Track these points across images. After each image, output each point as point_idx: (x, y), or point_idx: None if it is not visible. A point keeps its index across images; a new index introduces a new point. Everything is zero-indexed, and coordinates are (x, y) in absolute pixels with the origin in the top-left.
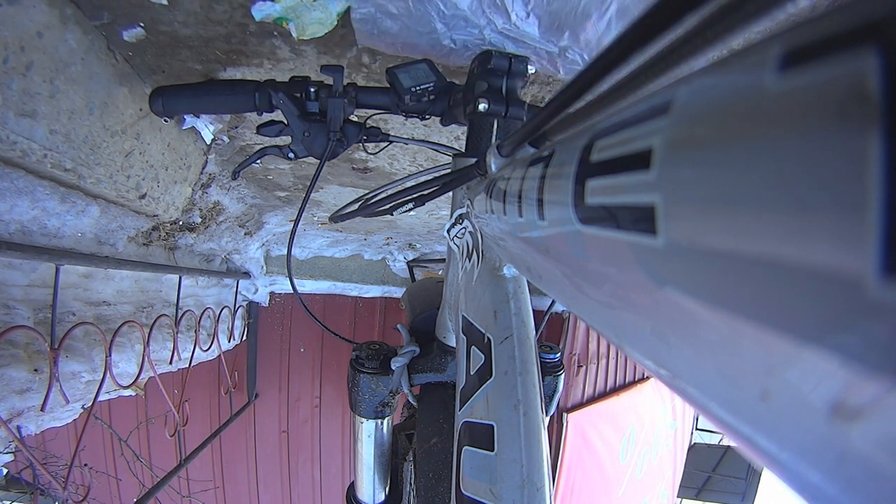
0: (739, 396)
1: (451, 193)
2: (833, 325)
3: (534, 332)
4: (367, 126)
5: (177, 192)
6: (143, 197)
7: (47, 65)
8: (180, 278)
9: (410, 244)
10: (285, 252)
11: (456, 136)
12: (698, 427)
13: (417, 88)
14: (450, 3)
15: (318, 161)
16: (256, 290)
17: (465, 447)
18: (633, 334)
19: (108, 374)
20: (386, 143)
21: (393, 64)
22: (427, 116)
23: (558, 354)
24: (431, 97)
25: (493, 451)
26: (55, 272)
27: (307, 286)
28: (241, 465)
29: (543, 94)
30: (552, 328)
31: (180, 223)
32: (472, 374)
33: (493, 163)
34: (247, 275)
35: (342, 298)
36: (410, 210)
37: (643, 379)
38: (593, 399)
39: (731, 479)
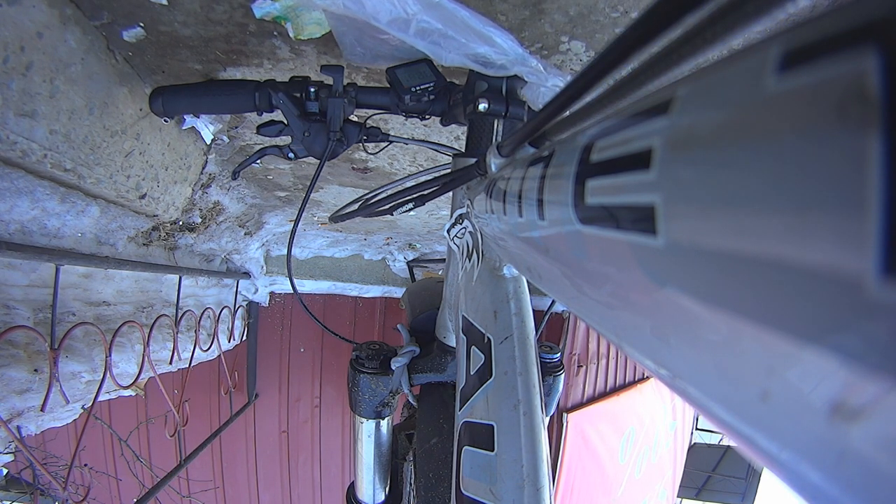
0: (739, 396)
1: (451, 193)
2: (833, 326)
3: (534, 332)
4: (367, 126)
5: (177, 192)
6: (143, 197)
7: (47, 65)
8: (180, 278)
9: (410, 244)
10: (285, 252)
11: (456, 136)
12: (698, 427)
13: (417, 88)
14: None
15: (318, 161)
16: (256, 290)
17: (465, 447)
18: (633, 334)
19: (108, 374)
20: (386, 143)
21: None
22: (427, 116)
23: (558, 354)
24: (431, 97)
25: (493, 451)
26: (55, 272)
27: (307, 286)
28: (241, 465)
29: None
30: (552, 328)
31: (180, 223)
32: (472, 374)
33: (493, 163)
34: (247, 275)
35: (342, 298)
36: (410, 210)
37: (643, 379)
38: (593, 399)
39: (731, 479)
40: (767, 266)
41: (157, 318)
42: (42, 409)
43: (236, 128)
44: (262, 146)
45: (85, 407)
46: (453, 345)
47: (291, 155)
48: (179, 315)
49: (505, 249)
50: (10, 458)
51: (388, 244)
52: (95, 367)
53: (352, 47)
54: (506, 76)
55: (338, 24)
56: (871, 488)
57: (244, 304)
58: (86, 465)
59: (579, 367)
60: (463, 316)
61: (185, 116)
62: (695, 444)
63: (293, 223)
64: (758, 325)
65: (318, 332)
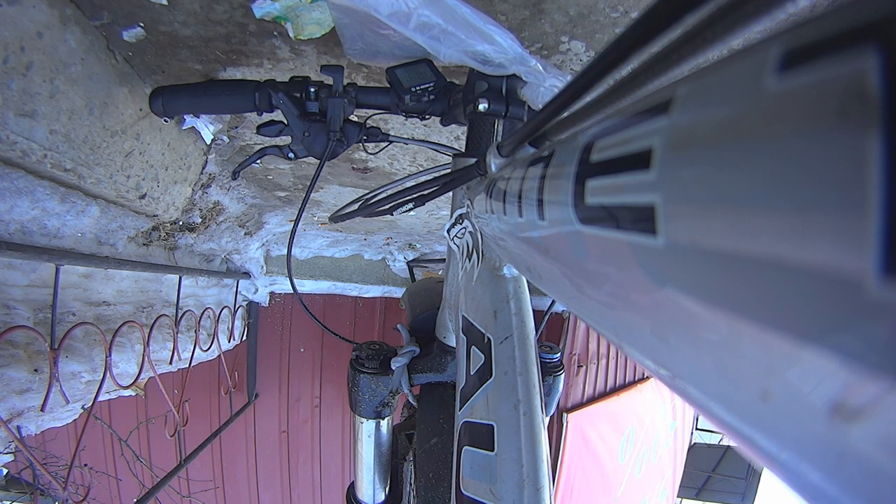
0: (739, 396)
1: (451, 193)
2: (833, 326)
3: (534, 332)
4: (367, 126)
5: (177, 192)
6: (143, 197)
7: (47, 65)
8: (180, 278)
9: (410, 244)
10: (285, 252)
11: (456, 136)
12: (698, 427)
13: (417, 88)
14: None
15: (318, 161)
16: (256, 290)
17: (465, 447)
18: (633, 334)
19: (108, 374)
20: (386, 143)
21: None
22: (427, 116)
23: (558, 354)
24: (431, 97)
25: (493, 451)
26: (55, 272)
27: (307, 286)
28: (241, 465)
29: None
30: (552, 328)
31: (180, 223)
32: (472, 374)
33: (493, 163)
34: (247, 275)
35: (342, 298)
36: (410, 210)
37: (643, 379)
38: (593, 399)
39: (731, 479)
40: (767, 266)
41: (157, 318)
42: (42, 409)
43: (236, 128)
44: (262, 146)
45: (85, 407)
46: (453, 345)
47: (291, 155)
48: (179, 315)
49: (505, 249)
50: (10, 458)
51: (388, 244)
52: (95, 367)
53: (352, 41)
54: (505, 75)
55: (340, 16)
56: (871, 488)
57: (244, 304)
58: (86, 465)
59: (579, 367)
60: (463, 316)
61: (185, 116)
62: (695, 444)
63: (293, 223)
64: (758, 325)
65: (318, 332)
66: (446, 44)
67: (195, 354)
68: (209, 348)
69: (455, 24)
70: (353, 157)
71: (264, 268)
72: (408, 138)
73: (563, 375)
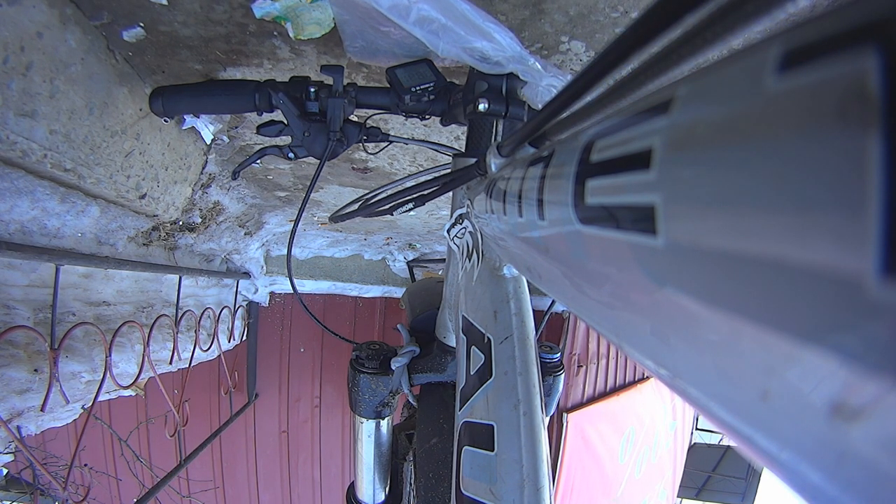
0: (739, 396)
1: (451, 193)
2: (833, 325)
3: (534, 332)
4: (367, 126)
5: (177, 192)
6: (143, 197)
7: (47, 65)
8: (180, 278)
9: (410, 244)
10: (285, 252)
11: (456, 136)
12: (698, 427)
13: (417, 88)
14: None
15: (318, 161)
16: (256, 290)
17: (465, 447)
18: (633, 334)
19: (108, 374)
20: (386, 143)
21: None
22: (427, 116)
23: (558, 354)
24: (431, 97)
25: (493, 451)
26: (55, 272)
27: (307, 286)
28: (241, 465)
29: None
30: (552, 328)
31: (180, 223)
32: (472, 374)
33: (493, 163)
34: (247, 275)
35: (342, 298)
36: (410, 210)
37: (643, 379)
38: (593, 399)
39: (731, 479)
40: (767, 266)
41: (157, 318)
42: (42, 409)
43: (236, 128)
44: (262, 146)
45: (85, 407)
46: (453, 345)
47: (291, 155)
48: (179, 315)
49: (505, 249)
50: (10, 458)
51: (388, 244)
52: (95, 367)
53: (353, 38)
54: (504, 74)
55: (341, 12)
56: (871, 488)
57: (244, 304)
58: (86, 465)
59: (579, 367)
60: (463, 316)
61: (185, 116)
62: (695, 444)
63: (293, 223)
64: (758, 325)
65: (318, 332)
66: (445, 39)
67: (195, 354)
68: (209, 348)
69: (454, 20)
70: (353, 157)
71: (264, 268)
72: (408, 138)
73: (563, 375)
